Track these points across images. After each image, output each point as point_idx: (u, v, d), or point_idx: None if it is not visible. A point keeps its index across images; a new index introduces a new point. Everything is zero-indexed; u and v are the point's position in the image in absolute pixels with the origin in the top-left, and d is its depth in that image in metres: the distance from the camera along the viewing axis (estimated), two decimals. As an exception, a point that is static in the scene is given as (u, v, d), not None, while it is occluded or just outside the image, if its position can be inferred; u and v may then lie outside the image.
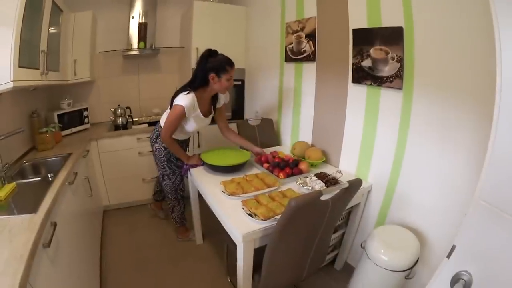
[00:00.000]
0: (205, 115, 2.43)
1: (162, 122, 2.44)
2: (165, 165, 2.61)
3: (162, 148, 2.53)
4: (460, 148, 1.58)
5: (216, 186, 2.03)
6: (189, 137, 2.81)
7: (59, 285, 1.57)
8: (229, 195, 1.87)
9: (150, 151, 2.78)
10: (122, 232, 3.23)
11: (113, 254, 2.87)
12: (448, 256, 0.96)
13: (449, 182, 1.66)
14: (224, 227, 1.81)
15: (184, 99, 2.21)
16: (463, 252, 0.94)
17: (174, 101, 2.26)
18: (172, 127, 2.30)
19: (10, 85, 1.84)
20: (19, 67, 1.91)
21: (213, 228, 2.96)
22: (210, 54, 2.26)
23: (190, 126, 2.40)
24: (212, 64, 2.22)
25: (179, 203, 2.86)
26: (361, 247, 1.90)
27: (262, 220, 1.57)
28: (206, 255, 2.83)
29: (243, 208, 1.70)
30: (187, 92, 2.24)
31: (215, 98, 2.51)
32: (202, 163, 2.39)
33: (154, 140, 2.58)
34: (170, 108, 2.33)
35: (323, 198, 1.43)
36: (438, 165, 1.71)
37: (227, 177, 2.14)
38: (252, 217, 1.61)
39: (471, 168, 1.54)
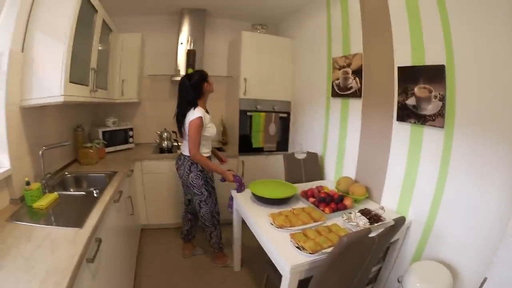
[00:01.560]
0: (211, 117, 2.80)
1: (186, 151, 2.72)
2: (203, 189, 2.73)
3: (199, 174, 2.70)
4: (496, 187, 1.61)
5: (263, 217, 2.12)
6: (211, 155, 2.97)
7: None
8: (277, 227, 1.95)
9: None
10: (158, 252, 3.31)
11: (148, 273, 2.94)
12: (480, 287, 1.06)
13: (482, 219, 1.69)
14: (271, 257, 1.87)
15: (196, 112, 2.57)
16: (493, 284, 1.03)
17: (187, 120, 2.59)
18: (197, 141, 2.58)
19: (61, 99, 1.94)
20: (70, 82, 2.01)
21: (251, 255, 3.10)
22: (188, 78, 2.69)
23: (209, 131, 2.71)
24: (198, 78, 2.67)
25: (215, 228, 2.93)
26: (398, 281, 1.93)
27: (310, 253, 1.65)
28: (244, 283, 2.85)
29: (291, 241, 1.78)
30: (193, 107, 2.61)
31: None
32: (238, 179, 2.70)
33: (188, 171, 2.72)
34: (182, 134, 2.75)
35: (370, 235, 1.51)
36: (474, 202, 1.74)
37: (274, 209, 2.24)
38: (300, 250, 1.68)
39: (504, 206, 1.57)
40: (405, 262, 2.22)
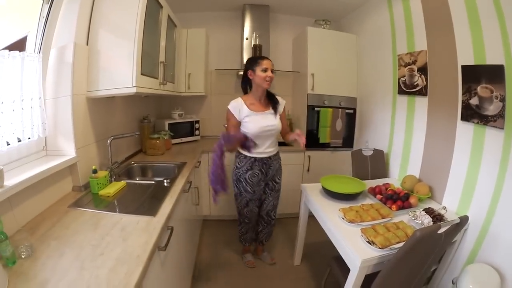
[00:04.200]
0: (261, 110, 2.58)
1: None
2: (235, 184, 2.74)
3: (235, 169, 2.71)
4: None
5: (334, 211, 2.25)
6: (268, 157, 2.69)
7: (164, 287, 1.65)
8: (348, 222, 2.08)
9: None
10: (218, 243, 3.48)
11: (207, 263, 3.11)
12: None
13: None
14: (340, 251, 1.98)
15: (230, 104, 2.57)
16: None
17: None
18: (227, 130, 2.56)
19: (133, 90, 2.04)
20: (141, 74, 2.12)
21: (311, 251, 3.26)
22: (248, 60, 2.62)
23: (250, 126, 2.51)
24: (247, 63, 2.59)
25: (240, 223, 3.02)
26: (452, 283, 2.01)
27: (379, 248, 1.75)
28: (303, 277, 2.93)
29: (362, 236, 1.89)
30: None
31: (272, 99, 2.69)
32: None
33: (234, 166, 2.75)
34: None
35: (439, 231, 1.61)
36: None
37: (344, 204, 2.36)
38: (371, 245, 1.79)
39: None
40: (458, 264, 2.26)
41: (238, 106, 2.53)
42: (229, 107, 2.54)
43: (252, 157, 2.62)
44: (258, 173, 2.67)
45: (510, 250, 1.87)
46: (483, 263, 2.01)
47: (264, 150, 2.63)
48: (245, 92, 2.68)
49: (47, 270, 1.12)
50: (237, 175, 2.70)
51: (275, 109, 2.64)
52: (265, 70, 2.46)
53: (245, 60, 3.95)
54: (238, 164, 2.69)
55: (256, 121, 2.53)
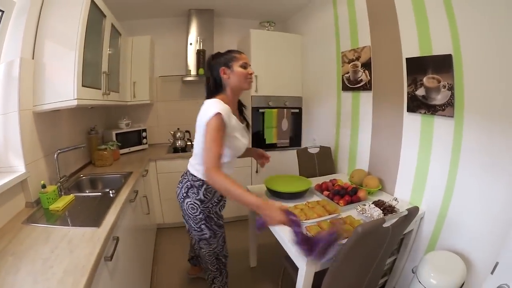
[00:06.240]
0: (240, 121, 2.00)
1: (192, 164, 2.03)
2: (203, 226, 2.01)
3: (197, 204, 1.96)
4: (507, 174, 1.64)
5: None
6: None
7: None
8: None
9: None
10: (175, 250, 3.38)
11: (165, 271, 3.02)
12: (492, 272, 1.17)
13: (493, 207, 1.72)
14: (287, 251, 1.92)
15: (213, 106, 1.73)
16: (505, 268, 1.13)
17: (198, 118, 1.81)
18: (216, 150, 1.65)
19: (74, 102, 1.99)
20: (83, 86, 2.07)
21: (266, 252, 3.16)
22: (213, 57, 1.96)
23: (237, 144, 1.92)
24: (218, 60, 1.90)
25: (221, 273, 2.27)
26: (412, 272, 1.99)
27: None
28: (260, 278, 2.93)
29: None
30: (211, 98, 1.85)
31: (240, 106, 2.11)
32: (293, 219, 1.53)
33: (184, 194, 2.00)
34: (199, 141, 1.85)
35: (384, 225, 1.57)
36: (485, 191, 1.78)
37: (289, 203, 2.29)
38: None
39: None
40: (419, 253, 2.27)
41: (228, 113, 1.76)
42: (219, 111, 1.69)
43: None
44: (224, 202, 2.20)
45: (472, 234, 1.88)
46: (445, 250, 2.01)
47: (232, 171, 2.08)
48: (209, 97, 1.90)
49: (7, 286, 1.14)
50: (205, 211, 2.00)
51: (246, 121, 2.12)
52: (245, 66, 1.87)
53: (190, 66, 3.97)
54: (205, 196, 1.97)
55: (244, 136, 1.97)
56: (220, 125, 1.69)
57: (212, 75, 1.92)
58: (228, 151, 1.87)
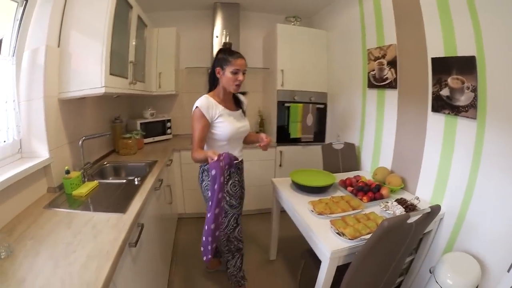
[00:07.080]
0: (233, 109, 2.27)
1: None
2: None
3: (209, 184, 2.01)
4: None
5: (304, 205, 2.22)
6: (240, 161, 2.41)
7: (137, 284, 1.63)
8: (317, 214, 2.05)
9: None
10: (194, 240, 3.40)
11: (184, 259, 3.08)
12: (508, 270, 1.22)
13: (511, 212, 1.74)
14: (310, 243, 1.98)
15: (197, 102, 2.09)
16: None
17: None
18: (198, 139, 2.08)
19: (102, 90, 2.05)
20: (110, 74, 2.13)
21: (286, 246, 3.17)
22: (218, 52, 2.20)
23: (225, 128, 2.15)
24: (218, 58, 2.15)
25: (233, 256, 2.44)
26: (430, 272, 2.00)
27: (349, 239, 1.73)
28: (280, 271, 2.95)
29: (331, 227, 1.87)
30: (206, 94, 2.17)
31: (237, 100, 2.37)
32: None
33: (201, 179, 2.31)
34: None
35: (408, 221, 1.57)
36: (504, 194, 1.77)
37: (314, 197, 2.34)
38: (340, 236, 1.77)
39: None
40: (436, 253, 2.27)
41: (209, 104, 2.09)
42: (198, 105, 2.06)
43: None
44: (237, 182, 2.34)
45: (488, 237, 1.88)
46: (461, 251, 2.02)
47: (238, 154, 2.30)
48: (211, 88, 2.25)
49: (24, 269, 1.13)
50: None
51: (241, 109, 2.37)
52: (235, 72, 2.08)
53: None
54: None
55: (231, 121, 2.18)
56: (198, 117, 2.07)
57: (212, 69, 2.19)
58: (219, 134, 2.17)
